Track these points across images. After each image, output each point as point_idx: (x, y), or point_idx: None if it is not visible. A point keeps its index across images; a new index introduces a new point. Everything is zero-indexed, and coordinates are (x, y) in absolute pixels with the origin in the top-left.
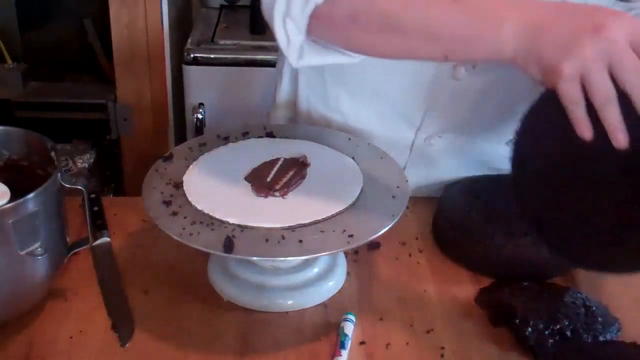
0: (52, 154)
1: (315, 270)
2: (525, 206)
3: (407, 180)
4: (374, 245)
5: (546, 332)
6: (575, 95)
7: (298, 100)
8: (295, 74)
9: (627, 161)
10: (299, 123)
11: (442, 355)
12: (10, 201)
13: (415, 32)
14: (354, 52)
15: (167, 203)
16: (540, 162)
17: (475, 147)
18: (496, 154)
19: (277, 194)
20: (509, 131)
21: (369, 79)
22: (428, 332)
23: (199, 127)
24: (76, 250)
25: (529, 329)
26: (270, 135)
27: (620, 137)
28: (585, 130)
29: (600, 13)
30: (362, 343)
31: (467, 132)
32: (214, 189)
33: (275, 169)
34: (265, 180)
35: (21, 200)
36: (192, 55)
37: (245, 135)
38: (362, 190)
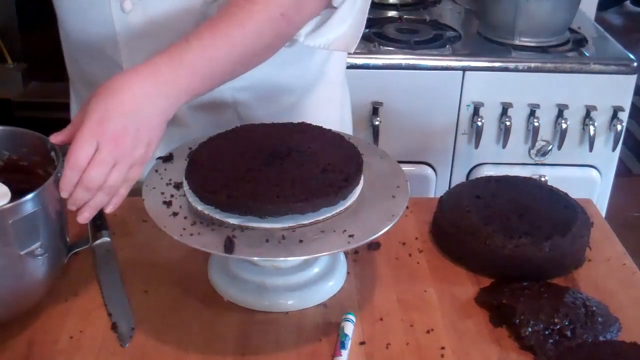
0: (52, 154)
1: (315, 270)
2: None
3: (407, 180)
4: (374, 245)
5: (546, 332)
6: None
7: None
8: None
9: None
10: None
11: (442, 355)
12: (10, 201)
13: None
14: None
15: (168, 204)
16: None
17: None
18: None
19: None
20: None
21: None
22: (428, 332)
23: None
24: (76, 250)
25: (529, 329)
26: None
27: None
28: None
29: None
30: (362, 343)
31: None
32: None
33: None
34: None
35: (21, 200)
36: None
37: None
38: (362, 190)
